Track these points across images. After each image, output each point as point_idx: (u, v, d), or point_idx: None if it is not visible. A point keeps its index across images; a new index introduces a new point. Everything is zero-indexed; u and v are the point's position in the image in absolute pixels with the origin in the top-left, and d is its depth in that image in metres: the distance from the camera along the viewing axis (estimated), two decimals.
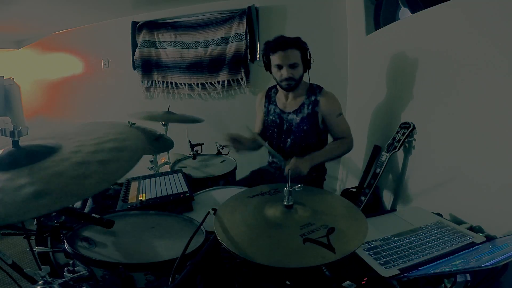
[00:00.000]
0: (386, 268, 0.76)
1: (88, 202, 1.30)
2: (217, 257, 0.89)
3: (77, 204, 1.32)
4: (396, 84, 1.59)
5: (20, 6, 2.37)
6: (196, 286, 0.83)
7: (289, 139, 1.60)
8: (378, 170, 1.41)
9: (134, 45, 2.80)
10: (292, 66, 1.45)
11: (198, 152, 1.89)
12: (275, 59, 1.46)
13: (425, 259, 0.78)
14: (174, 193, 1.21)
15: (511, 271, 0.71)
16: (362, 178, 1.69)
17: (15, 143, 0.66)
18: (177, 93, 2.83)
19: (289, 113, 1.58)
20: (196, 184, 1.49)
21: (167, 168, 1.83)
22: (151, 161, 1.75)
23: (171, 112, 1.80)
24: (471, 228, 0.93)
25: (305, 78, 1.57)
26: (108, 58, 3.06)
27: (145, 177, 1.42)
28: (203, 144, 1.96)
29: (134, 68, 2.85)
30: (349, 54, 2.35)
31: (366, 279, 0.74)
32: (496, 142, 0.91)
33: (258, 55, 2.52)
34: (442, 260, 0.77)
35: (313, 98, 1.53)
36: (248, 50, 2.49)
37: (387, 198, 1.57)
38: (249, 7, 2.44)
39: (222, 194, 1.31)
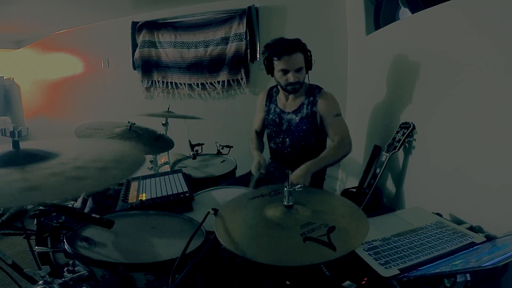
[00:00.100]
0: (386, 268, 0.76)
1: (88, 202, 1.30)
2: (217, 257, 0.89)
3: (77, 204, 1.32)
4: (396, 84, 1.59)
5: (20, 6, 2.37)
6: (196, 286, 0.83)
7: (288, 139, 1.60)
8: (378, 170, 1.41)
9: (134, 45, 2.80)
10: (298, 70, 1.44)
11: (198, 152, 1.89)
12: (280, 64, 1.44)
13: (425, 259, 0.78)
14: (174, 193, 1.21)
15: (511, 271, 0.71)
16: (362, 178, 1.68)
17: (15, 143, 0.66)
18: (177, 93, 2.83)
19: (289, 113, 1.58)
20: (196, 184, 1.49)
21: (167, 168, 1.83)
22: (151, 161, 1.76)
23: (171, 112, 1.80)
24: (471, 228, 0.93)
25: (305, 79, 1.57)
26: (108, 58, 3.06)
27: (145, 177, 1.42)
28: (203, 144, 1.96)
29: (134, 68, 2.85)
30: (349, 54, 2.35)
31: (366, 279, 0.74)
32: (496, 142, 0.91)
33: (258, 55, 2.52)
34: (442, 260, 0.77)
35: (312, 98, 1.53)
36: (248, 50, 2.49)
37: (387, 198, 1.57)
38: (249, 7, 2.44)
39: (222, 194, 1.32)
